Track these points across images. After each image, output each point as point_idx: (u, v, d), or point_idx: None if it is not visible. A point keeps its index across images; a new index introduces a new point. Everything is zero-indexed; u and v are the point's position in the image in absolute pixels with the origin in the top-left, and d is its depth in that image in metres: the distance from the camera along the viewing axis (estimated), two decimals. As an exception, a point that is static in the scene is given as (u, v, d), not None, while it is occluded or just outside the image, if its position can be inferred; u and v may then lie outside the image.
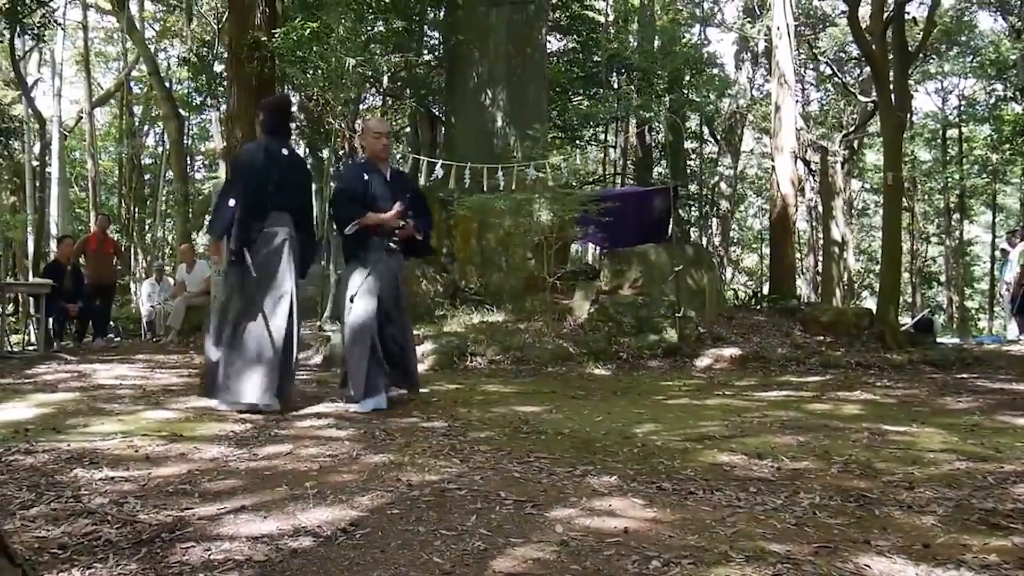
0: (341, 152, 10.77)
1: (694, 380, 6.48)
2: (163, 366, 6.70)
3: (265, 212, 4.23)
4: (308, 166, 7.72)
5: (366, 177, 4.50)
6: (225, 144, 11.61)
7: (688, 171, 18.94)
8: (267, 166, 4.25)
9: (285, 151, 4.42)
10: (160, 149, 21.27)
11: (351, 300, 4.40)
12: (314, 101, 10.01)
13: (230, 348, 4.15)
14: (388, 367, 4.44)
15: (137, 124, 20.73)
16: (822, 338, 8.55)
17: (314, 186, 7.52)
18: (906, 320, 14.33)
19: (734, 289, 18.24)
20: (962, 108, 23.28)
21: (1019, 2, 16.87)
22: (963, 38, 20.53)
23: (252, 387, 4.07)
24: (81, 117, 20.18)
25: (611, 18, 18.51)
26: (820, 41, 20.63)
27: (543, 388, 5.68)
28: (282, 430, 3.62)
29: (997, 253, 15.46)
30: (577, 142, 16.29)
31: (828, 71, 21.64)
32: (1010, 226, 23.68)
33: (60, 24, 14.78)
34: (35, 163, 17.04)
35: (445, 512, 2.26)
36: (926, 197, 25.29)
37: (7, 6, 10.60)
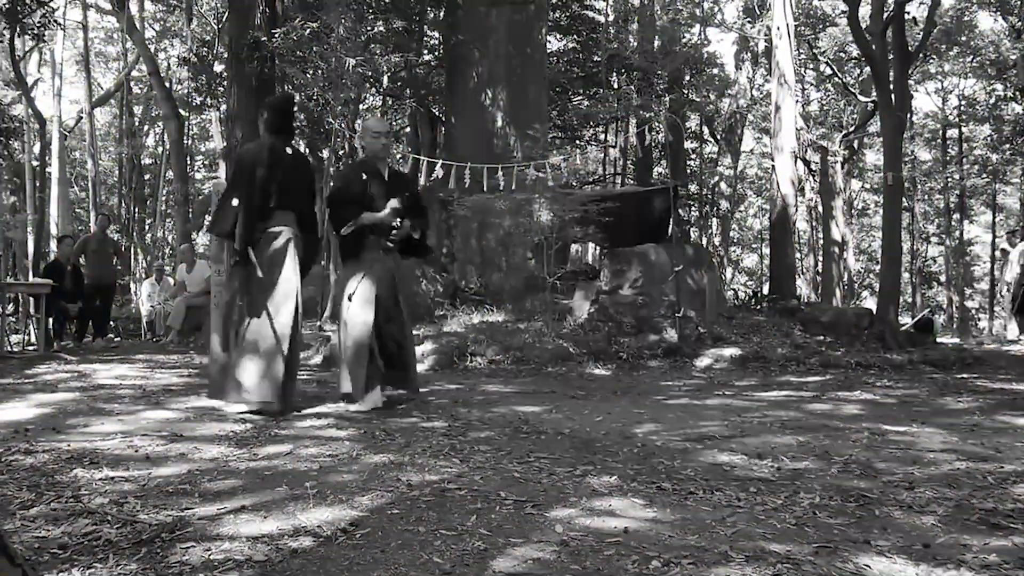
0: (341, 152, 10.77)
1: (694, 380, 6.48)
2: (163, 366, 6.70)
3: (269, 212, 4.22)
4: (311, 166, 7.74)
5: (364, 177, 4.48)
6: (225, 144, 11.61)
7: (688, 171, 18.95)
8: (271, 165, 4.22)
9: (289, 150, 4.41)
10: (160, 149, 21.26)
11: (349, 299, 4.39)
12: (314, 101, 10.01)
13: (236, 348, 4.15)
14: (386, 367, 4.46)
15: (137, 124, 20.73)
16: (822, 338, 8.56)
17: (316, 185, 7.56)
18: (906, 320, 14.34)
19: (734, 289, 18.25)
20: (962, 108, 23.31)
21: (1019, 2, 16.87)
22: (963, 38, 20.56)
23: (258, 387, 4.06)
24: (81, 117, 20.18)
25: (611, 18, 18.51)
26: (820, 41, 20.64)
27: (543, 388, 5.68)
28: (282, 430, 3.62)
29: (997, 253, 15.47)
30: (577, 142, 16.29)
31: (828, 71, 21.66)
32: (1010, 226, 23.73)
33: (60, 24, 14.77)
34: (35, 163, 17.03)
35: (445, 512, 2.26)
36: (926, 197, 25.33)
37: (7, 6, 10.60)
